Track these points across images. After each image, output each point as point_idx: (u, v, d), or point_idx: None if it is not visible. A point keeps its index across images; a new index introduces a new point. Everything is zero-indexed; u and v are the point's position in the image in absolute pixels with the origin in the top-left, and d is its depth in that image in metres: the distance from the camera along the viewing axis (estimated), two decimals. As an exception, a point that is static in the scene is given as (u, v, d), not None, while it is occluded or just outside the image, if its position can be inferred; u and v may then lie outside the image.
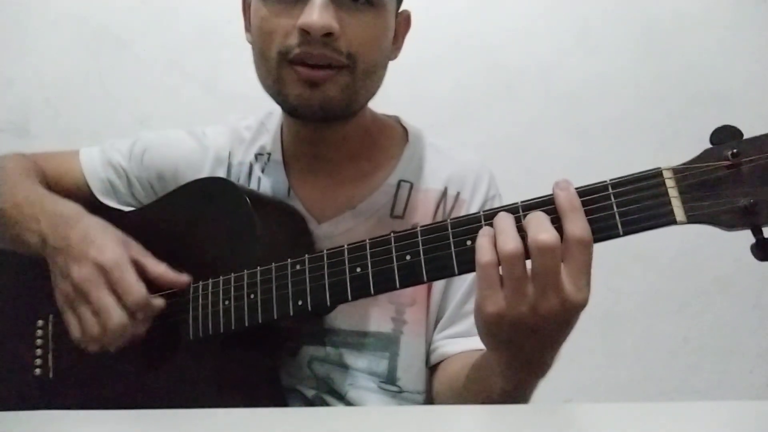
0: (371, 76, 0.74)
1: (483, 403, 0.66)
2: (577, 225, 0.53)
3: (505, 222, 0.55)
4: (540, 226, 0.53)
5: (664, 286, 1.62)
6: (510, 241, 0.53)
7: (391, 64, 0.81)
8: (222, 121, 0.94)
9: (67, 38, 1.72)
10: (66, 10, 1.72)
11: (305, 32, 0.68)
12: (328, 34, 0.69)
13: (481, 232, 0.56)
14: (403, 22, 0.82)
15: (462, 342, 0.77)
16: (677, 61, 1.64)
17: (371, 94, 0.77)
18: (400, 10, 0.80)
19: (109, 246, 0.70)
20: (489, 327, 0.57)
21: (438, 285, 0.80)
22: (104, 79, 1.71)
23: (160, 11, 1.71)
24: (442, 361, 0.79)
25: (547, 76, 1.65)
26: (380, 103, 0.89)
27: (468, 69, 1.66)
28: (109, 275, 0.68)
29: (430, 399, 0.82)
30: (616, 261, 1.56)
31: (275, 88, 0.73)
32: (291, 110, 0.74)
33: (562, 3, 1.67)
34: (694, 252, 1.61)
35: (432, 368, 0.81)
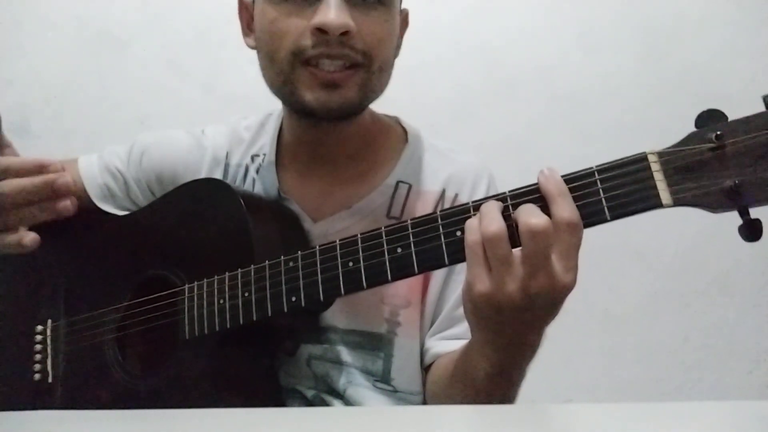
0: (383, 74, 0.75)
1: (467, 390, 0.67)
2: (565, 208, 0.54)
3: (488, 206, 0.56)
4: (530, 213, 0.54)
5: (664, 286, 1.62)
6: (493, 223, 0.54)
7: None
8: (224, 120, 0.93)
9: (67, 38, 1.72)
10: (66, 11, 1.72)
11: (322, 32, 0.68)
12: (345, 33, 0.69)
13: (469, 225, 0.57)
14: (405, 20, 0.82)
15: (454, 343, 0.77)
16: (678, 62, 1.64)
17: (382, 92, 0.78)
18: (403, 8, 0.81)
19: None
20: (477, 307, 0.57)
21: (433, 288, 0.80)
22: (104, 79, 1.71)
23: (160, 11, 1.71)
24: (434, 361, 0.79)
25: (548, 77, 1.65)
26: (380, 103, 0.88)
27: (468, 69, 1.66)
28: None
29: (425, 400, 0.82)
30: (616, 261, 1.56)
31: (287, 90, 0.73)
32: (307, 112, 0.73)
33: (562, 3, 1.67)
34: (694, 252, 1.60)
35: (426, 369, 0.81)
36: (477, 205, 0.58)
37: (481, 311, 0.57)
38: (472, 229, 0.56)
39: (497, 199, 0.58)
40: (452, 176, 0.83)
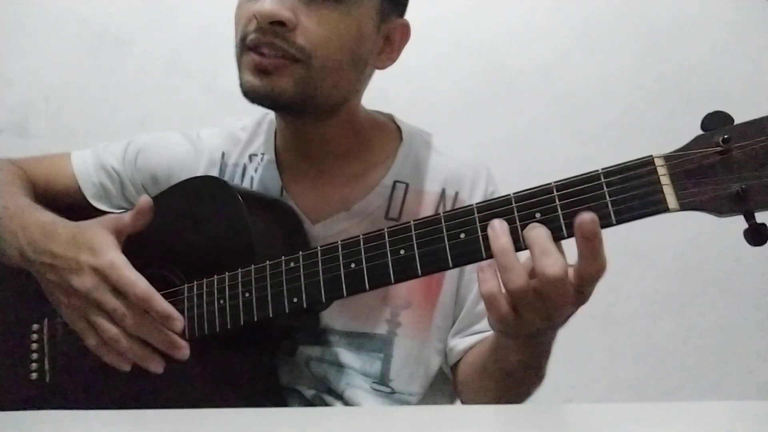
0: (331, 75, 0.72)
1: (503, 377, 0.71)
2: (593, 266, 0.53)
3: (505, 257, 0.54)
4: (544, 254, 0.52)
5: (664, 286, 1.62)
6: (514, 279, 0.54)
7: (392, 65, 0.80)
8: (218, 122, 0.93)
9: (67, 38, 1.71)
10: (66, 11, 1.71)
11: (257, 19, 0.69)
12: (280, 24, 0.68)
13: (483, 276, 0.55)
14: (399, 31, 0.79)
15: (478, 337, 0.79)
16: (677, 61, 1.63)
17: (338, 93, 0.75)
18: (398, 19, 0.79)
19: (97, 245, 0.67)
20: (504, 334, 0.62)
21: (447, 290, 0.80)
22: (104, 79, 1.71)
23: (160, 11, 1.71)
24: (461, 358, 0.81)
25: (548, 77, 1.65)
26: (380, 104, 0.89)
27: (468, 69, 1.66)
28: (108, 277, 0.66)
29: (423, 401, 0.82)
30: (616, 261, 1.55)
31: (238, 74, 0.74)
32: (244, 95, 0.74)
33: (562, 3, 1.66)
34: (694, 252, 1.60)
35: (453, 367, 0.82)
36: (480, 207, 0.58)
37: (511, 335, 0.62)
38: (500, 303, 0.55)
39: (501, 202, 0.57)
40: (450, 174, 0.83)
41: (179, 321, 0.65)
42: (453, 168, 0.84)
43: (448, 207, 0.82)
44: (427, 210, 0.82)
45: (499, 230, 0.55)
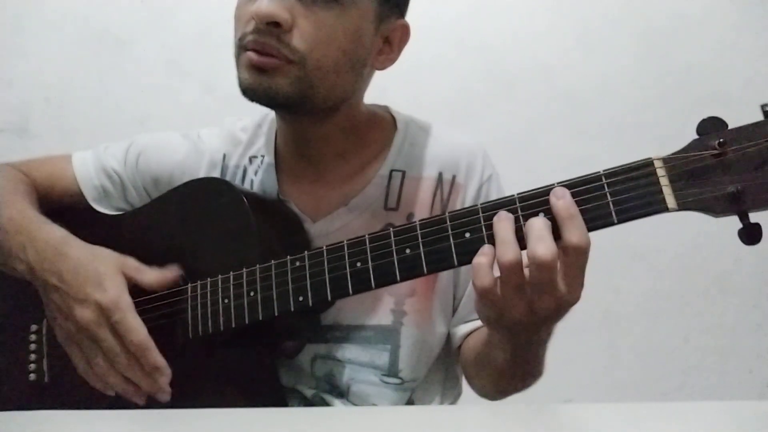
0: (328, 76, 0.72)
1: (491, 372, 0.74)
2: (574, 233, 0.54)
3: (504, 232, 0.56)
4: (539, 239, 0.54)
5: (664, 285, 1.62)
6: (509, 252, 0.55)
7: (392, 65, 0.80)
8: (218, 123, 0.93)
9: (67, 38, 1.72)
10: (66, 11, 1.72)
11: (254, 20, 0.69)
12: (276, 25, 0.69)
13: (481, 250, 0.57)
14: (399, 32, 0.79)
15: (477, 323, 0.81)
16: (677, 61, 1.64)
17: (336, 94, 0.75)
18: (398, 20, 0.78)
19: (107, 281, 0.68)
20: (489, 323, 0.62)
21: (444, 276, 0.81)
22: (104, 79, 1.71)
23: (159, 11, 1.71)
24: (463, 342, 0.83)
25: (548, 76, 1.65)
26: (380, 102, 0.89)
27: (468, 69, 1.66)
28: (110, 317, 0.66)
29: (420, 384, 0.83)
30: (616, 261, 1.56)
31: (236, 73, 0.74)
32: (243, 93, 0.74)
33: (562, 3, 1.67)
34: (694, 252, 1.61)
35: (457, 350, 0.84)
36: (485, 207, 0.58)
37: (494, 325, 0.62)
38: (484, 272, 0.56)
39: (506, 203, 0.58)
40: (446, 158, 0.83)
41: (166, 377, 0.67)
42: (449, 152, 0.84)
43: (446, 192, 0.82)
44: (424, 196, 0.82)
45: (504, 216, 0.57)
